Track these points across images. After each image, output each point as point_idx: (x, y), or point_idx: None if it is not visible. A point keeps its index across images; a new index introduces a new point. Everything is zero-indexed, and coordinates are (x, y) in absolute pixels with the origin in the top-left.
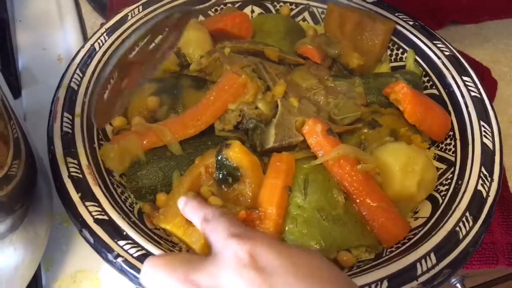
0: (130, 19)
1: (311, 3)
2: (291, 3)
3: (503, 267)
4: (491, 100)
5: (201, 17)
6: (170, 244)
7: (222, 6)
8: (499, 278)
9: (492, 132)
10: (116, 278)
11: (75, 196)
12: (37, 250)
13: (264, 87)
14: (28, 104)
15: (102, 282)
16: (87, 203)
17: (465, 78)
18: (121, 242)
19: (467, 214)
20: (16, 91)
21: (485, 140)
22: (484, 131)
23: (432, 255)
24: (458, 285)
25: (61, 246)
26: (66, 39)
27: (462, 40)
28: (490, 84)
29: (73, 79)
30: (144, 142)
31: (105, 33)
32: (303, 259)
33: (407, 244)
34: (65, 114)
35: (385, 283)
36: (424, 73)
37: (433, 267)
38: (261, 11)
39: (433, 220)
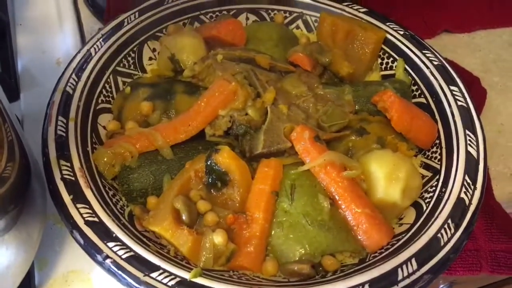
0: (126, 25)
1: (305, 11)
2: (285, 11)
3: (486, 274)
4: (478, 109)
5: (196, 24)
6: (158, 246)
7: (217, 13)
8: (488, 285)
9: (477, 141)
10: (107, 279)
11: (67, 198)
12: (30, 250)
13: (254, 94)
14: (27, 106)
15: (93, 282)
16: (78, 205)
17: (452, 88)
18: (110, 244)
19: (449, 221)
20: (15, 94)
21: (469, 149)
22: (469, 140)
23: (413, 260)
24: None
25: (54, 247)
26: (65, 43)
27: (454, 49)
28: (479, 94)
29: (69, 84)
30: (136, 146)
31: (101, 39)
32: None
33: (390, 250)
34: (60, 117)
35: (367, 287)
36: (413, 82)
37: (413, 272)
38: (255, 18)
39: (416, 227)
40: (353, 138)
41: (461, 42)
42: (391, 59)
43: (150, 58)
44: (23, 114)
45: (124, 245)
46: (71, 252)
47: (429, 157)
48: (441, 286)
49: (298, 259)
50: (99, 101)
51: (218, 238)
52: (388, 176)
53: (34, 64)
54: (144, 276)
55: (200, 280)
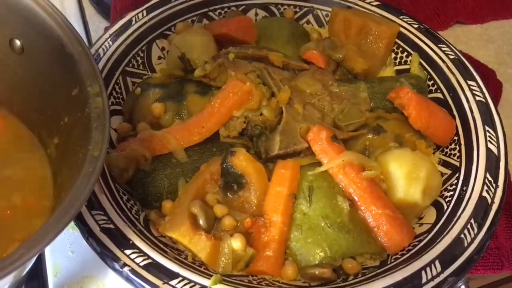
0: (134, 24)
1: (315, 6)
2: (295, 6)
3: (508, 272)
4: (496, 103)
5: (205, 21)
6: (176, 252)
7: (226, 10)
8: (503, 279)
9: (497, 137)
10: (122, 285)
11: None
12: None
13: (268, 94)
14: None
15: None
16: (93, 212)
17: (470, 82)
18: (128, 251)
19: (472, 221)
20: None
21: (490, 145)
22: (489, 136)
23: (437, 262)
24: (462, 287)
25: (67, 252)
26: None
27: (468, 41)
28: (495, 87)
29: None
30: (150, 149)
31: (109, 39)
32: None
33: (412, 251)
34: None
35: None
36: (428, 76)
37: (438, 274)
38: (265, 14)
39: (438, 227)
40: (370, 136)
41: (474, 33)
42: (405, 53)
43: (159, 57)
44: None
45: (141, 252)
46: (85, 257)
47: (447, 154)
48: (458, 283)
49: (318, 263)
50: (109, 102)
51: (237, 242)
52: (408, 176)
53: None
54: (163, 284)
55: (220, 287)
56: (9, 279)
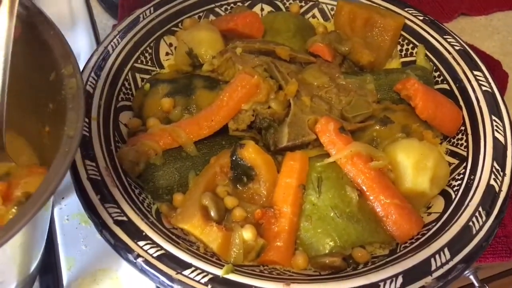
0: (142, 21)
1: (321, 0)
2: (300, 0)
3: None
4: (502, 93)
5: (211, 17)
6: (188, 244)
7: (232, 5)
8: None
9: (504, 127)
10: (135, 277)
11: (94, 198)
12: None
13: (276, 87)
14: None
15: (122, 280)
16: (106, 205)
17: (476, 73)
18: (141, 243)
19: (480, 209)
20: None
21: (496, 134)
22: (496, 125)
23: (446, 250)
24: (471, 277)
25: (81, 246)
26: (79, 40)
27: (472, 32)
28: (500, 77)
29: (88, 83)
30: (160, 143)
31: (118, 36)
32: None
33: (420, 240)
34: None
35: (400, 279)
36: (434, 68)
37: (447, 262)
38: (271, 9)
39: (446, 215)
40: (377, 127)
41: (478, 25)
42: (411, 45)
43: (167, 53)
44: None
45: (154, 244)
46: (98, 250)
47: (454, 144)
48: (466, 272)
49: (328, 252)
50: (119, 98)
51: (248, 233)
52: (416, 166)
53: None
54: (176, 274)
55: (232, 276)
56: None
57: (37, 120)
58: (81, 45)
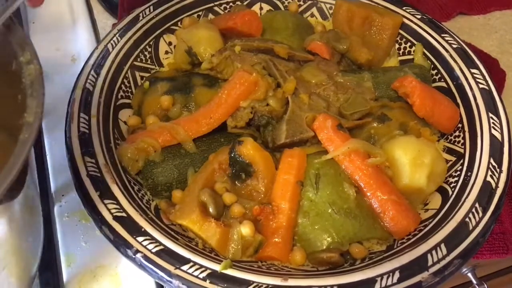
0: (141, 19)
1: None
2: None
3: None
4: (499, 91)
5: (210, 15)
6: (187, 239)
7: (231, 4)
8: (510, 267)
9: (501, 124)
10: (134, 273)
11: (94, 194)
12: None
13: (274, 84)
14: (44, 104)
15: (121, 277)
16: (106, 201)
17: (473, 71)
18: (140, 238)
19: (477, 205)
20: None
21: (493, 131)
22: (493, 122)
23: (442, 246)
24: (469, 274)
25: (80, 243)
26: (79, 39)
27: (470, 31)
28: (498, 76)
29: (88, 80)
30: (159, 140)
31: (117, 34)
32: None
33: (417, 236)
34: (82, 114)
35: (397, 274)
36: (432, 66)
37: (443, 257)
38: (269, 8)
39: (443, 212)
40: (375, 125)
41: (477, 24)
42: (409, 44)
43: (167, 52)
44: None
45: (153, 239)
46: (98, 247)
47: (452, 142)
48: (464, 270)
49: (326, 248)
50: (119, 96)
51: (246, 229)
52: (413, 162)
53: (49, 62)
54: (175, 269)
55: (230, 272)
56: None
57: (15, 113)
58: (81, 44)
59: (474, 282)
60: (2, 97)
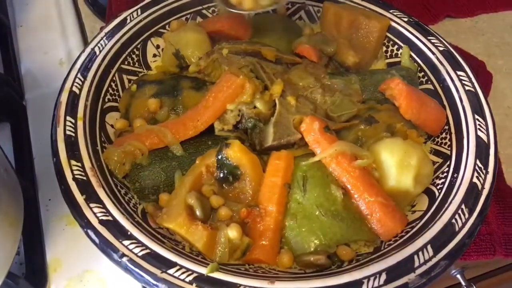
0: (129, 23)
1: (307, 2)
2: (287, 3)
3: (500, 258)
4: (486, 93)
5: (199, 18)
6: (173, 243)
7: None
8: (499, 269)
9: (487, 125)
10: (121, 278)
11: (79, 198)
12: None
13: (262, 87)
14: (32, 108)
15: (107, 281)
16: (91, 205)
17: (459, 73)
18: (126, 242)
19: (463, 206)
20: (19, 95)
21: (479, 133)
22: (479, 124)
23: (429, 247)
24: (458, 276)
25: (67, 248)
26: (67, 43)
27: (458, 34)
28: (485, 78)
29: (75, 83)
30: (146, 143)
31: (104, 37)
32: None
33: (404, 237)
34: (68, 118)
35: (384, 276)
36: (419, 68)
37: (430, 259)
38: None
39: (429, 213)
40: (362, 127)
41: (464, 27)
42: (396, 46)
43: (154, 55)
44: (28, 115)
45: (139, 243)
46: (85, 252)
47: (438, 143)
48: (453, 271)
49: (313, 250)
50: (106, 99)
51: (233, 232)
52: (399, 164)
53: (37, 65)
54: (161, 273)
55: (217, 275)
56: None
57: None
58: (69, 48)
59: (463, 283)
60: None
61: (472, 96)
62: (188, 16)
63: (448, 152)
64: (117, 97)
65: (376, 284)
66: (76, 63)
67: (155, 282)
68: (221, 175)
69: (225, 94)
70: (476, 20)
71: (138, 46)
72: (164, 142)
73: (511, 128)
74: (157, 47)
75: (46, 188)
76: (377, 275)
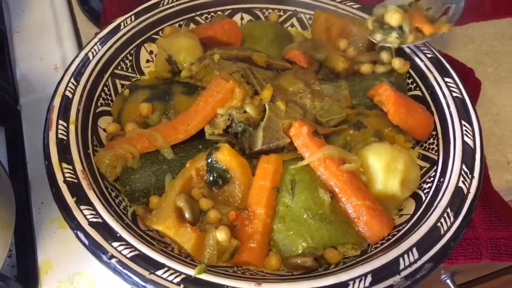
0: (122, 29)
1: (299, 9)
2: (279, 10)
3: (487, 261)
4: (473, 100)
5: (192, 25)
6: (162, 245)
7: (212, 14)
8: (489, 275)
9: (473, 131)
10: (111, 280)
11: (70, 200)
12: None
13: (252, 92)
14: (26, 112)
15: (98, 284)
16: (82, 207)
17: (447, 79)
18: (115, 244)
19: (448, 210)
20: (14, 100)
21: (466, 138)
22: (465, 130)
23: (414, 250)
24: (448, 281)
25: (58, 250)
26: (62, 48)
27: (448, 41)
28: (473, 85)
29: (68, 88)
30: (137, 147)
31: (98, 43)
32: None
33: (391, 240)
34: (60, 121)
35: (369, 278)
36: (408, 75)
37: (415, 261)
38: (250, 18)
39: (416, 217)
40: (350, 132)
41: (454, 34)
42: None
43: (148, 61)
44: (23, 120)
45: (128, 245)
46: (76, 254)
47: (426, 149)
48: (443, 276)
49: (301, 253)
50: (99, 104)
51: (221, 234)
52: (386, 168)
53: (32, 70)
54: (149, 274)
55: (205, 276)
56: None
57: None
58: (65, 54)
59: None
60: None
61: (459, 103)
62: (181, 22)
63: (435, 157)
64: (109, 102)
65: (361, 286)
66: (69, 68)
67: (143, 284)
68: (211, 178)
69: (215, 99)
70: (466, 28)
71: (132, 52)
72: (155, 146)
73: (499, 134)
74: (151, 52)
75: (38, 192)
76: (363, 277)
